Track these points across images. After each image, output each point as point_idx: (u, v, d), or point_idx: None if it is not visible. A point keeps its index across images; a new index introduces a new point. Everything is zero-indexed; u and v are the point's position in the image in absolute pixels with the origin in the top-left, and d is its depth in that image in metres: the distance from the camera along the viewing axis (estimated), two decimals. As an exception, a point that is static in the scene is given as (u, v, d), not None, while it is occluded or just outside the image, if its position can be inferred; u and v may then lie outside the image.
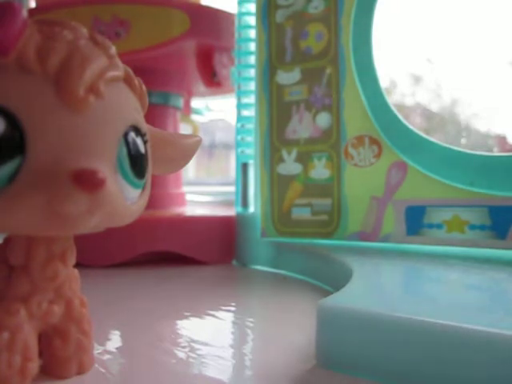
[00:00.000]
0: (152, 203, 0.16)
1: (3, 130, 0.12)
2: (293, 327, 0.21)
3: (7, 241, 0.15)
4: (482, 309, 0.17)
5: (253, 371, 0.17)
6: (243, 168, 0.37)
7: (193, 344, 0.19)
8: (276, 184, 0.34)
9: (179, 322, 0.22)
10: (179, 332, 0.21)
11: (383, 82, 0.32)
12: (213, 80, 0.40)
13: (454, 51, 0.61)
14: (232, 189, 0.38)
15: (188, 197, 0.46)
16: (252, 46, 0.36)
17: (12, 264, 0.14)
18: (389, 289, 0.22)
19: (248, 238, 0.36)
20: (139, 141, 0.14)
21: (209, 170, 0.90)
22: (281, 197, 0.34)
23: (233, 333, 0.21)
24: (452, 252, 0.28)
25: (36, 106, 0.12)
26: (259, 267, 0.35)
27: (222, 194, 0.55)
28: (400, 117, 0.31)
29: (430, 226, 0.29)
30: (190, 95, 0.49)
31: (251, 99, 0.36)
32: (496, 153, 0.58)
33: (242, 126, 0.37)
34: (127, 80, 0.14)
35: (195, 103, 0.53)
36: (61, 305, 0.15)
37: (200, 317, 0.23)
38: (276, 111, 0.34)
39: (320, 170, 0.33)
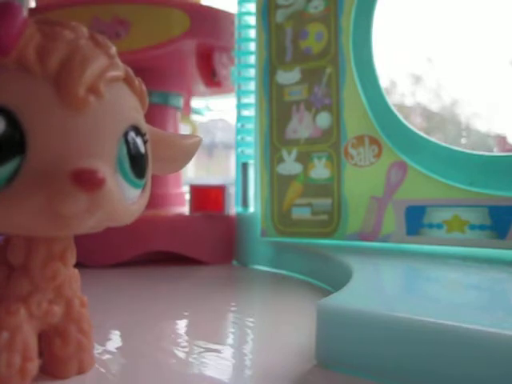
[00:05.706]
0: (152, 203, 0.16)
1: (3, 129, 0.12)
2: (293, 327, 0.21)
3: (7, 241, 0.15)
4: (482, 309, 0.17)
5: (253, 371, 0.17)
6: (243, 168, 0.37)
7: (193, 344, 0.19)
8: (276, 184, 0.34)
9: (179, 322, 0.22)
10: (179, 332, 0.21)
11: (383, 82, 0.32)
12: (213, 80, 0.40)
13: (455, 51, 0.61)
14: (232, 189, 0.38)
15: (188, 197, 0.46)
16: (252, 46, 0.36)
17: (12, 264, 0.14)
18: (388, 289, 0.22)
19: (248, 237, 0.36)
20: (139, 141, 0.14)
21: (209, 169, 0.90)
22: (281, 197, 0.34)
23: (233, 333, 0.21)
24: (452, 252, 0.28)
25: (36, 106, 0.12)
26: (259, 267, 0.35)
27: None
28: (400, 117, 0.31)
29: (430, 225, 0.29)
30: (189, 95, 0.49)
31: (251, 99, 0.36)
32: (496, 153, 0.58)
33: (242, 125, 0.37)
34: (127, 80, 0.14)
35: (195, 103, 0.53)
36: (61, 305, 0.15)
37: (200, 317, 0.23)
38: (276, 111, 0.34)
39: (320, 170, 0.33)
